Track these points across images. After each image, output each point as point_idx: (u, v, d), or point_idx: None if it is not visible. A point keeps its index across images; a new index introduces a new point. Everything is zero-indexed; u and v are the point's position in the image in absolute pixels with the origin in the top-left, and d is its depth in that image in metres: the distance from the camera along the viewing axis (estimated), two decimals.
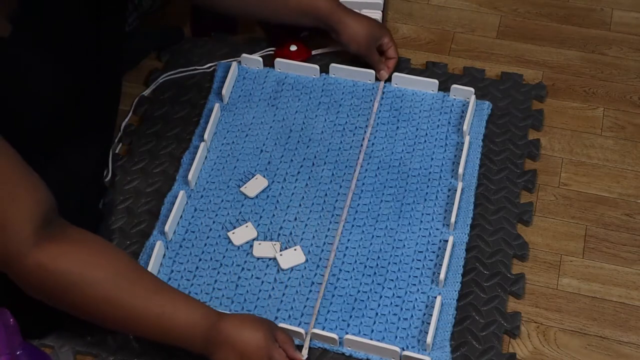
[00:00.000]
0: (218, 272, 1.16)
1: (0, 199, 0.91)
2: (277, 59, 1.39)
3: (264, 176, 1.26)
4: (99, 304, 0.96)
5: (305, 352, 1.07)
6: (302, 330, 1.09)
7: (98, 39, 1.13)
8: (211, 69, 1.42)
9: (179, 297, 1.00)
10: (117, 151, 1.31)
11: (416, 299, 1.13)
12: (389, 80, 1.37)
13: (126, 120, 1.35)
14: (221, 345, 0.99)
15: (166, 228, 1.19)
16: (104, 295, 0.95)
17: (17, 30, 0.98)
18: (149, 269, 1.14)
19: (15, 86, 0.96)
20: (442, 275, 1.13)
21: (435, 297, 1.12)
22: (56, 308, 1.00)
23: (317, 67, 1.38)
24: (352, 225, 1.21)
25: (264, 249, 1.18)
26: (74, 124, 1.11)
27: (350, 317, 1.12)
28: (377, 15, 1.45)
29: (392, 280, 1.15)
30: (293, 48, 1.41)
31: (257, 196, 1.24)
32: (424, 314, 1.12)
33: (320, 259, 1.17)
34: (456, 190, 1.22)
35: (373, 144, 1.30)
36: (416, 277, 1.15)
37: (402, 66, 1.40)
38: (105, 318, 0.98)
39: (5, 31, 0.97)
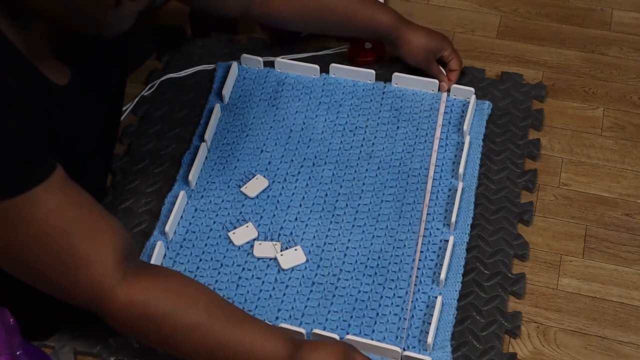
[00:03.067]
0: (219, 272, 1.16)
1: (80, 237, 0.90)
2: (277, 60, 1.40)
3: (264, 176, 1.26)
4: (191, 333, 0.95)
5: None
6: (302, 331, 1.09)
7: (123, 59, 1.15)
8: (211, 69, 1.42)
9: (265, 326, 1.00)
10: (117, 151, 1.31)
11: (417, 299, 1.13)
12: (389, 80, 1.38)
13: (126, 120, 1.35)
14: None
15: (166, 228, 1.19)
16: (197, 324, 0.95)
17: (74, 77, 0.99)
18: None
19: (67, 128, 0.96)
20: (442, 275, 1.13)
21: (436, 297, 1.12)
22: (146, 344, 1.00)
23: (317, 67, 1.38)
24: (353, 225, 1.21)
25: (264, 249, 1.18)
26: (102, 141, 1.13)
27: (351, 317, 1.12)
28: None
29: (393, 280, 1.15)
30: (368, 46, 1.41)
31: (257, 196, 1.24)
32: (425, 314, 1.12)
33: (320, 259, 1.17)
34: (456, 190, 1.22)
35: (373, 144, 1.30)
36: (417, 277, 1.15)
37: (403, 66, 1.40)
38: (195, 349, 0.96)
39: (65, 79, 0.97)
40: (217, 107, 1.33)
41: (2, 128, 0.83)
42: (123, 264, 0.93)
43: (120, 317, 0.95)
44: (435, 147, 1.28)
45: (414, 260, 1.17)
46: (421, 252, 1.18)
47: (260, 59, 1.40)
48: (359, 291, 1.14)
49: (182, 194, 1.22)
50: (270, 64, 1.41)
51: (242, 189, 1.25)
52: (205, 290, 0.99)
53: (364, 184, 1.26)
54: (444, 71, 1.36)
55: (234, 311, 0.99)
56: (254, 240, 1.19)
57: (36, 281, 0.94)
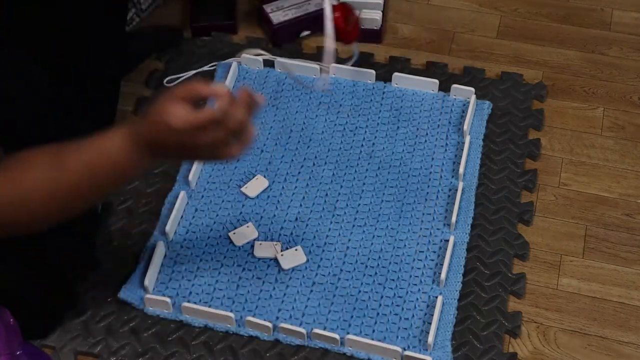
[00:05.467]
0: (219, 273, 1.16)
1: None
2: (277, 60, 1.39)
3: (264, 176, 1.26)
4: (45, 203, 0.86)
5: None
6: (303, 331, 1.09)
7: (97, 36, 1.12)
8: (211, 69, 1.42)
9: (94, 140, 0.88)
10: None
11: (417, 299, 1.13)
12: (389, 80, 1.38)
13: (125, 119, 1.35)
14: (151, 146, 0.88)
15: (167, 228, 1.19)
16: (44, 195, 0.86)
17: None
18: (150, 269, 1.14)
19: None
20: (443, 275, 1.13)
21: (436, 297, 1.12)
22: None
23: (317, 67, 1.38)
24: (353, 225, 1.21)
25: (264, 249, 1.18)
26: (70, 120, 1.09)
27: (352, 317, 1.12)
28: (377, 15, 1.45)
29: (393, 280, 1.15)
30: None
31: (257, 196, 1.24)
32: (425, 314, 1.12)
33: (321, 259, 1.17)
34: (457, 190, 1.22)
35: (373, 143, 1.30)
36: (417, 277, 1.15)
37: (403, 66, 1.41)
38: (43, 209, 0.87)
39: None
40: None
41: None
42: None
43: None
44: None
45: (414, 260, 1.17)
46: (421, 252, 1.18)
47: (260, 59, 1.40)
48: (360, 291, 1.14)
49: (182, 194, 1.22)
50: (270, 64, 1.41)
51: (243, 189, 1.25)
52: (37, 160, 0.87)
53: (364, 184, 1.26)
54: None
55: (63, 155, 0.87)
56: (255, 240, 1.19)
57: None
